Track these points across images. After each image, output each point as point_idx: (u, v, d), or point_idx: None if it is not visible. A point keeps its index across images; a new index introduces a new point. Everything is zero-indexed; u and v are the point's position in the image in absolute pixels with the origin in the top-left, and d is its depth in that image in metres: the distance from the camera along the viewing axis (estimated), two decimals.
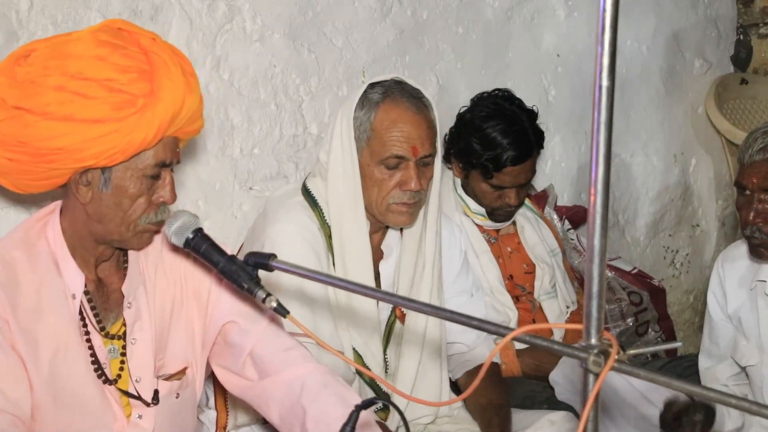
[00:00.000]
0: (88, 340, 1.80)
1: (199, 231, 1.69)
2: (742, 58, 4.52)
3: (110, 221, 1.75)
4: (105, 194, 1.73)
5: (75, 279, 1.79)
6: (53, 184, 1.77)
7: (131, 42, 1.71)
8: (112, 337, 1.84)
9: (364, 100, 2.30)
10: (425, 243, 2.45)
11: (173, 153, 1.78)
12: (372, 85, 2.33)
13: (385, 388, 2.41)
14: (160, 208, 1.78)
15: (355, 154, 2.30)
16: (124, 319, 1.84)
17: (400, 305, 2.19)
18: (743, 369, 2.57)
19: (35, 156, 1.68)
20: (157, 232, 1.84)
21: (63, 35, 1.78)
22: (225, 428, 2.37)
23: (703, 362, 2.67)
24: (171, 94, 1.68)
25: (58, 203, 1.84)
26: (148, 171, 1.74)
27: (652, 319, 3.39)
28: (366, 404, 1.49)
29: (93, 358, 1.80)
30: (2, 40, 2.25)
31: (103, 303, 1.84)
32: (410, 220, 2.37)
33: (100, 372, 1.80)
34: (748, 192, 2.32)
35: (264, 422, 2.28)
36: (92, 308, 1.82)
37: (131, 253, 1.88)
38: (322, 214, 2.36)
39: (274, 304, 1.55)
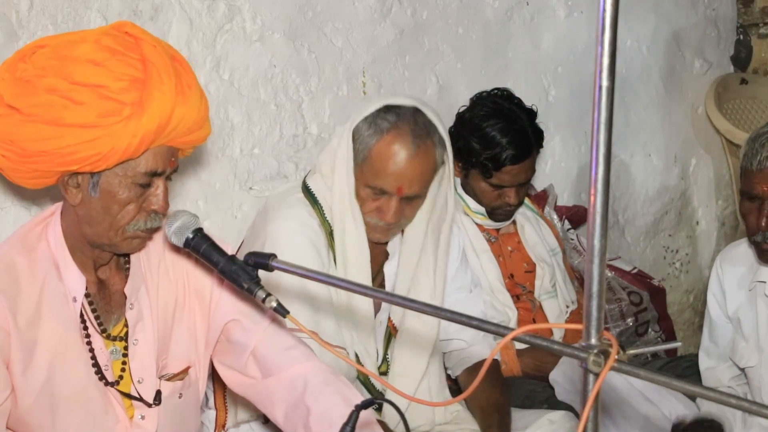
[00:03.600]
0: (89, 343, 1.80)
1: (199, 231, 1.68)
2: (742, 58, 4.52)
3: (98, 225, 1.74)
4: (94, 198, 1.72)
5: (76, 282, 1.78)
6: (44, 183, 1.76)
7: (132, 48, 1.68)
8: (114, 339, 1.83)
9: (374, 121, 2.28)
10: (439, 250, 2.45)
11: (167, 162, 1.74)
12: (387, 108, 2.29)
13: (380, 387, 2.42)
14: (150, 216, 1.75)
15: (352, 163, 2.30)
16: (125, 320, 1.84)
17: (400, 305, 2.19)
18: (742, 370, 2.57)
19: (21, 156, 1.67)
20: (149, 238, 1.83)
21: (71, 34, 1.77)
22: (224, 426, 2.37)
23: (703, 362, 2.68)
24: (159, 104, 1.65)
25: (59, 205, 1.83)
26: (138, 179, 1.71)
27: (652, 319, 3.39)
28: (366, 404, 1.49)
29: (93, 361, 1.80)
30: (2, 40, 2.25)
31: (105, 305, 1.84)
32: (384, 238, 2.38)
33: (100, 374, 1.80)
34: (757, 199, 2.31)
35: (264, 420, 2.29)
36: (93, 311, 1.81)
37: (133, 255, 1.86)
38: (323, 211, 2.36)
39: (274, 304, 1.55)
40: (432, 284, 2.44)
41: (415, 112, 2.29)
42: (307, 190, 2.40)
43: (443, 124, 2.35)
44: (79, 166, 1.66)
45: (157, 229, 1.79)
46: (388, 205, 2.29)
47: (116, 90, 1.63)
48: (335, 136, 2.40)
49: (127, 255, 1.86)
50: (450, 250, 2.56)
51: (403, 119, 2.27)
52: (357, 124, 2.30)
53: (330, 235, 2.35)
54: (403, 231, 2.45)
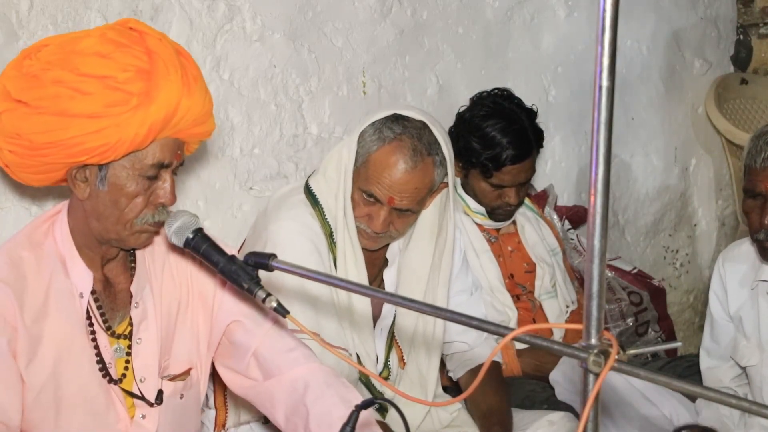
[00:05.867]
0: (94, 340, 1.80)
1: (199, 231, 1.69)
2: (742, 58, 4.52)
3: (106, 219, 1.75)
4: (102, 192, 1.73)
5: (83, 278, 1.78)
6: (52, 178, 1.77)
7: (137, 41, 1.70)
8: (118, 337, 1.84)
9: (380, 128, 2.28)
10: (443, 260, 2.45)
11: (173, 155, 1.76)
12: (396, 118, 2.29)
13: (379, 387, 2.42)
14: (158, 209, 1.77)
15: (352, 165, 2.31)
16: (130, 318, 1.85)
17: (400, 305, 2.20)
18: (743, 369, 2.57)
19: (30, 149, 1.68)
20: (157, 233, 1.84)
21: (76, 32, 1.79)
22: (224, 426, 2.37)
23: (704, 361, 2.67)
24: (166, 95, 1.66)
25: (65, 203, 1.84)
26: (146, 171, 1.72)
27: (652, 319, 3.39)
28: (366, 404, 1.49)
29: (98, 358, 1.80)
30: (2, 40, 2.25)
31: (110, 302, 1.84)
32: (372, 246, 2.38)
33: (104, 371, 1.80)
34: (760, 197, 2.32)
35: (265, 421, 2.29)
36: (98, 307, 1.82)
37: (138, 253, 1.87)
38: (323, 212, 2.36)
39: (274, 304, 1.55)
40: (432, 319, 2.45)
41: (423, 127, 2.28)
42: (308, 192, 2.40)
43: (449, 145, 2.33)
44: (87, 157, 1.67)
45: (164, 223, 1.80)
46: (378, 214, 2.29)
47: (123, 80, 1.65)
48: (344, 139, 2.41)
49: (134, 254, 1.87)
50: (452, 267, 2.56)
51: (407, 132, 2.27)
52: (365, 127, 2.30)
53: (330, 236, 2.35)
54: (407, 242, 2.46)
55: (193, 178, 2.68)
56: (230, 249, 1.73)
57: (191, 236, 1.68)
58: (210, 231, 1.72)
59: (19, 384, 1.72)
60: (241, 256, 1.63)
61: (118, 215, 1.74)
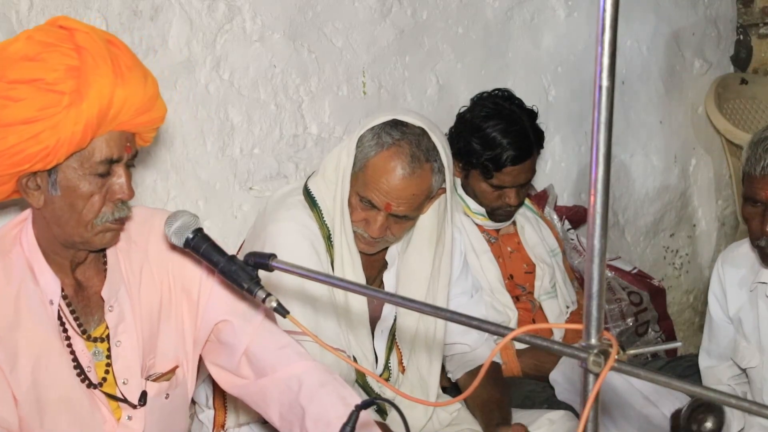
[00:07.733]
0: (69, 345, 1.78)
1: (199, 231, 1.68)
2: (742, 58, 4.52)
3: (66, 223, 1.72)
4: (56, 197, 1.70)
5: (51, 285, 1.76)
6: (5, 191, 1.74)
7: (65, 39, 1.66)
8: (95, 340, 1.81)
9: (379, 133, 2.28)
10: (442, 266, 2.45)
11: (122, 148, 1.71)
12: (395, 124, 2.29)
13: (378, 389, 2.42)
14: (117, 206, 1.74)
15: (350, 169, 2.31)
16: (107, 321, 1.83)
17: (400, 305, 2.20)
18: (743, 371, 2.57)
19: None
20: (121, 229, 1.80)
21: (6, 40, 1.75)
22: (223, 427, 2.37)
23: (703, 362, 2.68)
24: (96, 89, 1.63)
25: (30, 209, 1.81)
26: (96, 169, 1.69)
27: (652, 319, 3.39)
28: (366, 404, 1.49)
29: (75, 363, 1.78)
30: (2, 40, 2.25)
31: (84, 307, 1.82)
32: (368, 250, 2.38)
33: (83, 376, 1.79)
34: (760, 204, 2.31)
35: (264, 422, 2.28)
36: (72, 312, 1.79)
37: (110, 256, 1.84)
38: (321, 214, 2.36)
39: (275, 305, 1.54)
40: (434, 321, 2.45)
41: (421, 133, 2.28)
42: (307, 193, 2.40)
43: (448, 151, 2.33)
44: (29, 165, 1.64)
45: (126, 219, 1.77)
46: (375, 219, 2.29)
47: (52, 81, 1.62)
48: (343, 140, 2.40)
49: (106, 256, 1.84)
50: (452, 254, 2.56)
51: (406, 138, 2.26)
52: (364, 132, 2.30)
53: (328, 238, 2.35)
54: (409, 242, 2.46)
55: (193, 178, 2.68)
56: (229, 249, 1.72)
57: (191, 236, 1.67)
58: (210, 231, 1.71)
59: (9, 389, 1.71)
60: (240, 257, 1.63)
61: (77, 218, 1.71)
